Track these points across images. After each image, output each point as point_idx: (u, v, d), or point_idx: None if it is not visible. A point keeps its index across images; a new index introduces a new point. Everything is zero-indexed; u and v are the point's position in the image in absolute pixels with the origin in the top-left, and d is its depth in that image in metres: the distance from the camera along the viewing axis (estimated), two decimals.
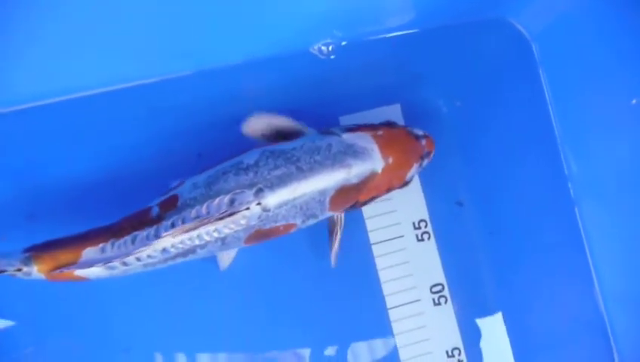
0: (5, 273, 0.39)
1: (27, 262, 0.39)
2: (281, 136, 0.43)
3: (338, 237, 0.45)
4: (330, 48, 0.43)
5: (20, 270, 0.39)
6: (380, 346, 0.49)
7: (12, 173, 0.46)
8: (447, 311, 0.50)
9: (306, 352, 0.48)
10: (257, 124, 0.43)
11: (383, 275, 0.49)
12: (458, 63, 0.47)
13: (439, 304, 0.50)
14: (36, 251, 0.40)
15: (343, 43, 0.45)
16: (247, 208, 0.39)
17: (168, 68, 0.42)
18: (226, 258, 0.44)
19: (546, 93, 0.40)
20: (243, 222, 0.39)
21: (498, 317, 0.50)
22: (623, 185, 0.41)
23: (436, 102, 0.50)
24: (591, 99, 0.40)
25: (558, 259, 0.50)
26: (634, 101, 0.40)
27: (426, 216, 0.50)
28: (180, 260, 0.41)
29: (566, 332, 0.50)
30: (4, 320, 0.46)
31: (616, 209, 0.41)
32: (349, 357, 0.48)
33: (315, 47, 0.43)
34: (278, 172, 0.40)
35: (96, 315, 0.47)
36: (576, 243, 0.48)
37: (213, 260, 0.45)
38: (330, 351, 0.48)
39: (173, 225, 0.39)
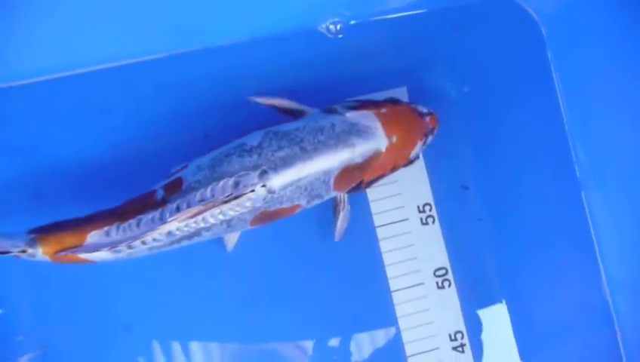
0: (9, 254, 0.39)
1: (32, 243, 0.39)
2: (286, 111, 0.43)
3: (342, 215, 0.45)
4: (338, 27, 0.43)
5: (24, 251, 0.39)
6: (382, 329, 0.49)
7: (16, 151, 0.46)
8: (451, 294, 0.50)
9: (309, 334, 0.48)
10: (261, 103, 0.43)
11: (387, 258, 0.49)
12: (466, 47, 0.47)
13: (443, 287, 0.50)
14: (41, 233, 0.40)
15: (352, 22, 0.44)
16: (252, 190, 0.39)
17: (173, 44, 0.41)
18: (232, 239, 0.45)
19: (555, 77, 0.40)
20: (248, 204, 0.39)
21: (501, 302, 0.50)
22: (631, 172, 0.41)
23: (444, 86, 0.50)
24: (599, 83, 0.40)
25: (563, 246, 0.50)
26: None
27: (430, 199, 0.50)
28: (185, 243, 0.41)
29: (570, 320, 0.50)
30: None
31: (624, 197, 0.41)
32: (352, 339, 0.49)
33: (324, 26, 0.43)
34: (281, 153, 0.40)
35: (97, 294, 0.47)
36: (583, 231, 0.48)
37: (217, 242, 0.45)
38: (332, 332, 0.49)
39: (178, 209, 0.39)
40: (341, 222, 0.45)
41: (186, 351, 0.48)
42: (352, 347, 0.49)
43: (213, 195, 0.39)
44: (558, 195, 0.48)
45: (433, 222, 0.50)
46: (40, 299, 0.47)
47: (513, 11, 0.41)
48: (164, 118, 0.47)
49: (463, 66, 0.48)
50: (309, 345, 0.48)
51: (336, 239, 0.46)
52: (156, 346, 0.47)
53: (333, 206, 0.46)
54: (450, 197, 0.50)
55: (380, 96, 0.49)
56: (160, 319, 0.47)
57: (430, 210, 0.50)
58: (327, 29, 0.43)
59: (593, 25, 0.39)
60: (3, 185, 0.47)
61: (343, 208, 0.45)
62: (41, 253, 0.39)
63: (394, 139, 0.42)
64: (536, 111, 0.44)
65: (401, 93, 0.49)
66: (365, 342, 0.49)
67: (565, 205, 0.49)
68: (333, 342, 0.49)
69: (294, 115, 0.44)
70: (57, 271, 0.46)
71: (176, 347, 0.48)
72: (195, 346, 0.48)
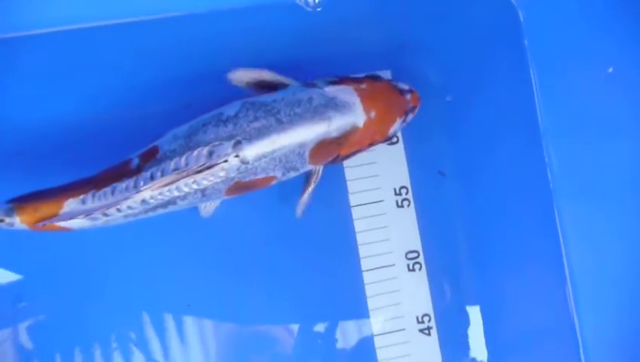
0: None
1: (10, 213, 0.41)
2: (265, 86, 0.44)
3: (310, 188, 0.46)
4: (317, 0, 0.44)
5: (2, 221, 0.41)
6: (351, 307, 0.51)
7: (2, 108, 0.48)
8: (421, 277, 0.52)
9: (278, 305, 0.50)
10: (241, 76, 0.44)
11: (361, 238, 0.51)
12: (447, 31, 0.48)
13: (413, 270, 0.52)
14: (18, 202, 0.41)
15: None
16: (226, 160, 0.40)
17: (155, 7, 0.42)
18: (208, 206, 0.46)
19: (530, 64, 0.42)
20: (222, 174, 0.40)
21: (470, 289, 0.52)
22: (600, 161, 0.42)
23: (426, 72, 0.51)
24: (572, 69, 0.42)
25: (531, 241, 0.51)
26: (610, 69, 0.41)
27: (407, 182, 0.52)
28: (161, 211, 0.42)
29: (536, 316, 0.51)
30: None
31: (593, 193, 0.43)
32: (320, 313, 0.51)
33: None
34: (257, 124, 0.40)
35: (72, 260, 0.49)
36: (551, 228, 0.49)
37: (194, 209, 0.47)
38: (300, 305, 0.51)
39: (152, 177, 0.40)
40: (307, 196, 0.46)
41: (159, 317, 0.49)
42: (319, 321, 0.51)
43: (187, 164, 0.40)
44: (529, 190, 0.49)
45: (408, 205, 0.52)
46: (15, 262, 0.49)
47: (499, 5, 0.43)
48: (146, 86, 0.48)
49: (444, 52, 0.50)
50: (276, 315, 0.51)
51: (299, 213, 0.47)
52: (129, 313, 0.49)
53: (306, 176, 0.46)
54: (427, 182, 0.52)
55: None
56: (133, 285, 0.49)
57: (406, 193, 0.52)
58: (305, 1, 0.44)
59: (568, 9, 0.41)
60: None
61: (315, 180, 0.46)
62: (19, 221, 0.41)
63: (372, 114, 0.43)
64: (513, 100, 0.45)
65: (385, 76, 0.51)
66: (332, 318, 0.51)
67: (535, 201, 0.50)
68: (300, 315, 0.51)
69: (275, 87, 0.44)
70: (34, 236, 0.49)
71: (149, 313, 0.50)
72: (166, 313, 0.50)
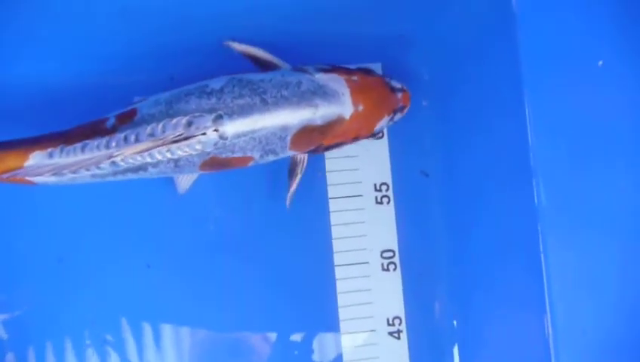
0: None
1: None
2: (258, 63, 0.44)
3: (297, 178, 0.45)
4: None
5: None
6: (320, 302, 0.50)
7: None
8: (395, 278, 0.51)
9: (247, 288, 0.49)
10: (235, 48, 0.44)
11: (336, 231, 0.50)
12: (440, 25, 0.48)
13: (387, 270, 0.51)
14: None
15: None
16: (204, 133, 0.39)
17: None
18: (184, 182, 0.46)
19: (522, 61, 0.42)
20: (198, 147, 0.40)
21: (444, 296, 0.51)
22: (588, 160, 0.42)
23: (418, 67, 0.51)
24: (564, 65, 0.42)
25: (512, 249, 0.51)
26: (600, 63, 0.41)
27: (388, 180, 0.51)
28: (130, 175, 0.42)
29: (510, 328, 0.51)
30: None
31: (578, 196, 0.43)
32: (287, 304, 0.50)
33: None
34: (241, 101, 0.40)
35: (34, 222, 0.48)
36: (533, 235, 0.49)
37: (169, 184, 0.46)
38: (269, 292, 0.50)
39: (125, 139, 0.40)
40: (295, 186, 0.46)
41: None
42: (285, 312, 0.50)
43: (164, 131, 0.39)
44: (514, 194, 0.49)
45: (388, 202, 0.51)
46: None
47: None
48: (130, 53, 0.47)
49: (436, 47, 0.50)
50: (245, 299, 0.49)
51: (287, 206, 0.47)
52: (89, 278, 0.48)
53: (291, 166, 0.46)
54: (408, 180, 0.51)
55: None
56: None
57: (387, 190, 0.51)
58: None
59: (564, 7, 0.41)
60: None
61: (301, 171, 0.45)
62: None
63: (360, 108, 0.43)
64: (503, 102, 0.45)
65: (376, 69, 0.51)
66: (299, 312, 0.50)
67: (520, 213, 0.49)
68: (269, 303, 0.49)
69: (266, 67, 0.44)
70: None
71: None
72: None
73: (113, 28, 0.46)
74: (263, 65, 0.44)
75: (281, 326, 0.50)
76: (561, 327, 0.42)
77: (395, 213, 0.51)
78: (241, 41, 0.44)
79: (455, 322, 0.51)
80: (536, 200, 0.45)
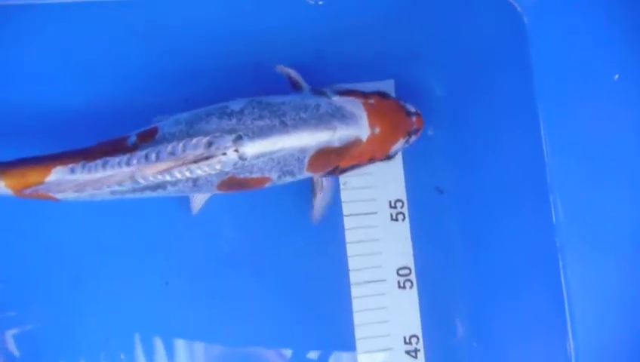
0: None
1: None
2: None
3: (318, 198, 0.46)
4: None
5: None
6: (336, 320, 0.50)
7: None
8: (411, 296, 0.51)
9: (263, 308, 0.49)
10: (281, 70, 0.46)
11: (351, 249, 0.50)
12: (452, 41, 0.49)
13: (404, 287, 0.51)
14: (5, 166, 0.41)
15: None
16: (224, 153, 0.40)
17: None
18: (197, 201, 0.46)
19: (535, 76, 0.42)
20: (218, 166, 0.41)
21: (462, 313, 0.51)
22: (603, 168, 0.42)
23: (430, 84, 0.51)
24: (576, 79, 0.42)
25: (530, 266, 0.51)
26: (616, 77, 0.41)
27: (403, 196, 0.51)
28: (149, 193, 0.42)
29: (530, 346, 0.50)
30: None
31: (594, 210, 0.43)
32: (304, 323, 0.50)
33: None
34: (261, 122, 0.41)
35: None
36: (551, 252, 0.49)
37: (184, 204, 0.46)
38: (285, 312, 0.49)
39: (146, 157, 0.40)
40: (319, 203, 0.47)
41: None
42: (300, 330, 0.49)
43: (184, 150, 0.40)
44: (531, 211, 0.49)
45: (403, 219, 0.51)
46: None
47: (499, 6, 0.43)
48: (145, 76, 0.48)
49: (449, 64, 0.50)
50: (261, 317, 0.49)
51: (314, 221, 0.48)
52: (104, 298, 0.48)
53: (311, 188, 0.47)
54: (423, 197, 0.51)
55: (368, 86, 0.51)
56: (111, 271, 0.48)
57: (402, 206, 0.51)
58: None
59: (573, 15, 0.41)
60: None
61: (320, 190, 0.46)
62: (3, 185, 0.41)
63: (377, 130, 0.44)
64: (517, 118, 0.45)
65: (389, 85, 0.51)
66: (316, 329, 0.50)
67: (537, 227, 0.49)
68: (284, 322, 0.49)
69: (294, 87, 0.46)
70: (14, 215, 0.48)
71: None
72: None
73: (130, 50, 0.47)
74: (293, 85, 0.46)
75: (297, 344, 0.50)
76: (584, 349, 0.42)
77: (411, 230, 0.51)
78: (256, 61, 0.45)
79: (474, 342, 0.51)
80: (553, 216, 0.45)
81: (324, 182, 0.46)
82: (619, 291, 0.42)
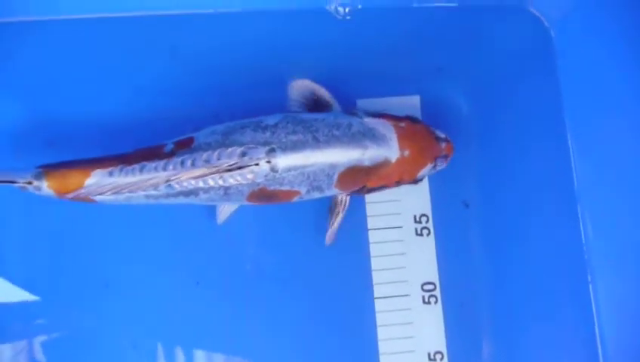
0: (16, 184, 0.43)
1: (38, 176, 0.43)
2: (312, 104, 0.47)
3: (339, 217, 0.47)
4: (347, 10, 0.46)
5: (30, 183, 0.43)
6: (360, 335, 0.50)
7: (37, 97, 0.50)
8: (436, 311, 0.51)
9: (284, 321, 0.50)
10: (301, 87, 0.47)
11: (375, 263, 0.50)
12: (477, 55, 0.49)
13: (429, 303, 0.51)
14: (48, 168, 0.44)
15: (359, 7, 0.47)
16: (257, 164, 0.42)
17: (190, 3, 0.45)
18: (224, 212, 0.47)
19: (562, 90, 0.42)
20: (250, 176, 0.42)
21: (487, 330, 0.51)
22: (629, 180, 0.42)
23: (457, 100, 0.52)
24: (603, 90, 0.42)
25: (558, 283, 0.50)
26: None
27: (428, 211, 0.51)
28: (181, 199, 0.44)
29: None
30: None
31: (620, 212, 0.42)
32: (326, 337, 0.50)
33: (332, 7, 0.46)
34: (294, 137, 0.43)
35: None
36: (580, 270, 0.48)
37: (212, 215, 0.47)
38: (307, 325, 0.50)
39: (182, 163, 0.42)
40: (336, 223, 0.48)
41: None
42: (325, 344, 0.50)
43: (219, 159, 0.42)
44: (559, 225, 0.49)
45: (428, 234, 0.51)
46: (27, 246, 0.50)
47: (523, 16, 0.44)
48: (176, 91, 0.50)
49: (475, 78, 0.51)
50: (284, 330, 0.50)
51: (328, 241, 0.49)
52: (133, 304, 0.49)
53: (331, 205, 0.48)
54: (449, 211, 0.52)
55: (392, 102, 0.52)
56: (140, 277, 0.49)
57: (427, 221, 0.51)
58: (336, 10, 0.46)
59: (601, 28, 0.42)
60: (22, 130, 0.50)
61: (343, 210, 0.48)
62: (46, 186, 0.43)
63: (406, 153, 0.45)
64: (544, 131, 0.46)
65: (414, 101, 0.52)
66: (339, 343, 0.50)
67: (566, 239, 0.49)
68: (308, 334, 0.50)
69: (321, 106, 0.47)
70: (47, 220, 0.50)
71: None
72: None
73: (162, 66, 0.48)
74: (318, 104, 0.47)
75: (320, 357, 0.50)
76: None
77: (436, 245, 0.51)
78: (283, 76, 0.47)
79: (498, 356, 0.50)
80: (582, 231, 0.45)
81: (346, 203, 0.47)
82: None
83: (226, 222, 0.48)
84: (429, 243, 0.51)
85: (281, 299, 0.50)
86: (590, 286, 0.43)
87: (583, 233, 0.45)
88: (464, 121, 0.52)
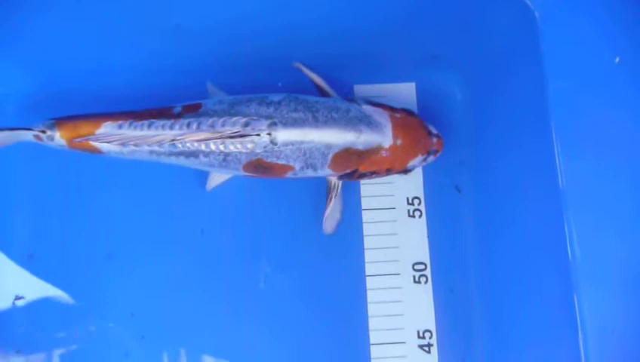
0: (31, 132, 0.46)
1: (51, 126, 0.47)
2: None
3: (332, 202, 0.50)
4: None
5: (43, 132, 0.46)
6: (350, 310, 0.52)
7: (45, 71, 0.54)
8: (426, 291, 0.53)
9: (276, 291, 0.52)
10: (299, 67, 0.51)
11: (368, 242, 0.53)
12: (472, 43, 0.52)
13: (419, 282, 0.53)
14: (61, 119, 0.47)
15: None
16: (258, 135, 0.45)
17: None
18: (216, 179, 0.51)
19: (547, 73, 0.44)
20: (250, 146, 0.45)
21: (476, 309, 0.53)
22: (616, 168, 0.44)
23: (451, 87, 0.55)
24: (586, 72, 0.44)
25: (544, 268, 0.52)
26: (617, 59, 0.43)
27: (421, 193, 0.54)
28: (182, 160, 0.47)
29: (543, 343, 0.52)
30: None
31: (605, 205, 0.44)
32: (317, 311, 0.52)
33: None
34: (295, 115, 0.46)
35: (83, 222, 0.53)
36: (562, 251, 0.50)
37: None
38: (297, 302, 0.52)
39: (188, 125, 0.45)
40: (331, 210, 0.50)
41: (162, 279, 0.52)
42: (317, 315, 0.52)
43: (223, 126, 0.45)
44: (549, 215, 0.51)
45: (420, 216, 0.54)
46: (33, 221, 0.53)
47: (510, 3, 0.46)
48: (179, 69, 0.53)
49: (467, 66, 0.53)
50: (274, 302, 0.52)
51: (325, 232, 0.51)
52: (135, 274, 0.52)
53: (327, 192, 0.51)
54: (441, 195, 0.54)
55: (388, 89, 0.55)
56: (141, 249, 0.52)
57: (419, 203, 0.54)
58: None
59: (585, 11, 0.44)
60: (31, 103, 0.54)
61: (335, 195, 0.50)
62: (58, 136, 0.47)
63: (399, 141, 0.47)
64: (530, 118, 0.48)
65: (410, 88, 0.55)
66: (330, 319, 0.52)
67: (554, 223, 0.51)
68: (298, 310, 0.52)
69: (321, 93, 0.51)
70: (51, 194, 0.53)
71: (156, 276, 0.52)
72: (168, 276, 0.52)
73: (166, 43, 0.52)
74: (319, 91, 0.51)
75: (310, 330, 0.52)
76: (595, 348, 0.43)
77: (427, 227, 0.53)
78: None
79: (487, 339, 0.52)
80: (569, 214, 0.47)
81: (339, 189, 0.50)
82: (631, 282, 0.43)
83: (226, 200, 0.51)
84: (420, 225, 0.53)
85: (275, 273, 0.52)
86: (572, 266, 0.45)
87: (570, 216, 0.47)
88: (458, 107, 0.55)
